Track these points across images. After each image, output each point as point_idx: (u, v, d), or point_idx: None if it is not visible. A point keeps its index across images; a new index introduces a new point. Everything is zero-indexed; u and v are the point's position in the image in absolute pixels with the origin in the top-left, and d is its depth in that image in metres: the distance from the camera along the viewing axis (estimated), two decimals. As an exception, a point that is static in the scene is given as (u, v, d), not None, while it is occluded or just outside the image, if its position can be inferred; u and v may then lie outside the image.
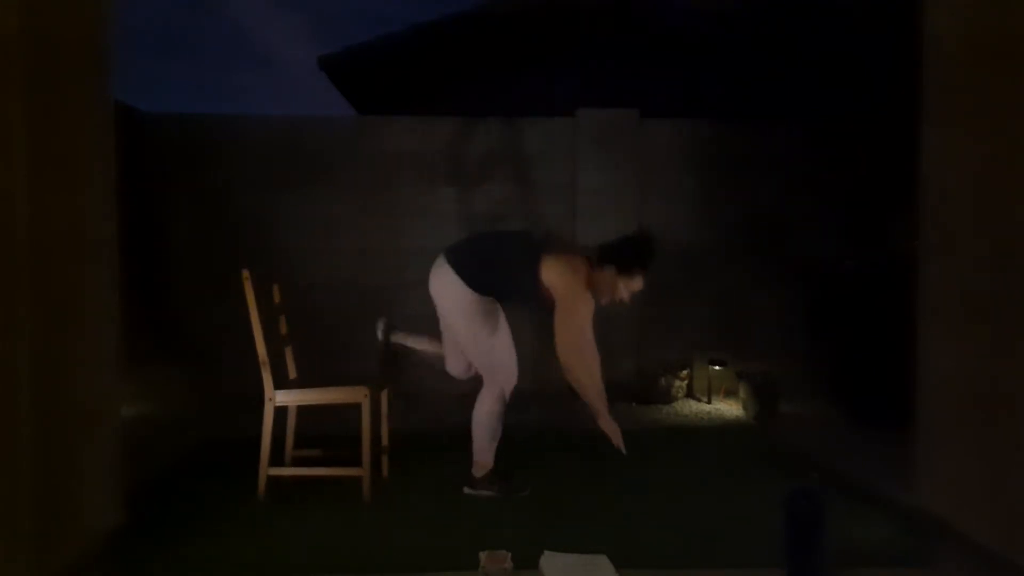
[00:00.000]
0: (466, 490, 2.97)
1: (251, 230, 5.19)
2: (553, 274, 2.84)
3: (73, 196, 2.07)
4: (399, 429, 3.45)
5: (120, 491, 2.30)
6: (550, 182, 5.42)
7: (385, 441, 3.22)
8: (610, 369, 3.05)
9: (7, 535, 1.78)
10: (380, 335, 3.25)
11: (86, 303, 2.14)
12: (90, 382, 2.15)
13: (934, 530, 2.36)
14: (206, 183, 5.23)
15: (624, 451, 2.81)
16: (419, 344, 3.30)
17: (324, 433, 3.40)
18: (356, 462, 2.87)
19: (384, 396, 3.23)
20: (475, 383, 3.06)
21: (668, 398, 5.08)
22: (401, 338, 3.28)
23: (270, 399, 2.84)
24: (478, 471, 2.97)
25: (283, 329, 3.19)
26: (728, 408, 4.90)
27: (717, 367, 5.06)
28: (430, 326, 3.23)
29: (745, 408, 4.63)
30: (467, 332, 2.92)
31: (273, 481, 2.87)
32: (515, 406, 3.07)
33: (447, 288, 2.90)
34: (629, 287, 2.91)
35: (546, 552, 2.21)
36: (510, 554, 2.03)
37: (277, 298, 3.18)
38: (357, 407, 2.84)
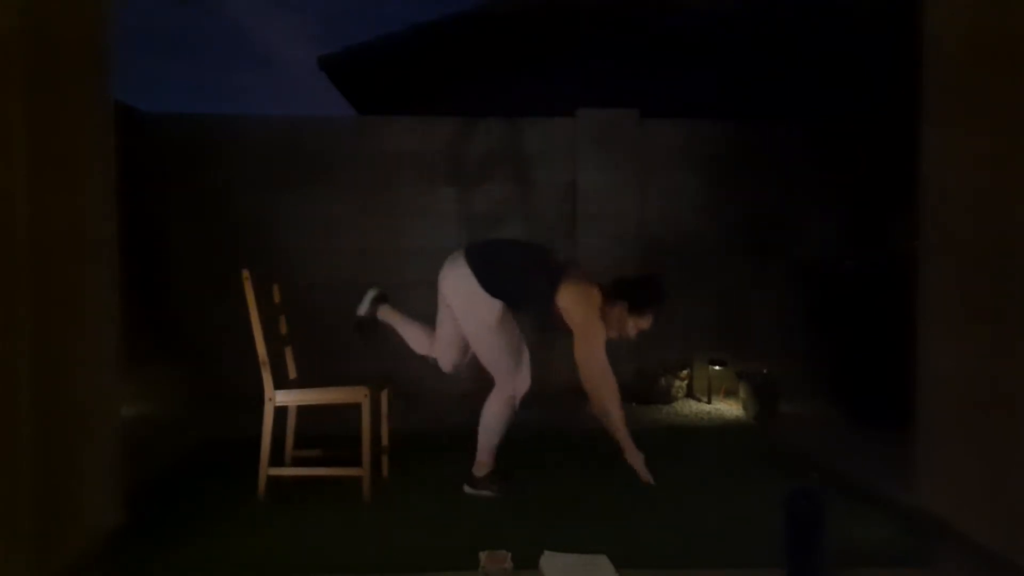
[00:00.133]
0: (466, 488, 2.97)
1: (251, 230, 5.19)
2: (571, 301, 2.86)
3: (73, 196, 2.07)
4: (399, 429, 3.45)
5: (120, 491, 2.31)
6: (550, 182, 5.42)
7: (385, 441, 3.22)
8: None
9: (7, 535, 1.78)
10: (367, 304, 3.20)
11: (86, 303, 2.14)
12: (90, 382, 2.15)
13: (934, 530, 2.36)
14: (206, 183, 5.23)
15: (652, 482, 2.81)
16: (405, 329, 3.22)
17: (324, 433, 3.40)
18: (356, 462, 2.87)
19: (384, 396, 3.23)
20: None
21: (668, 398, 5.08)
22: (389, 315, 3.23)
23: (270, 399, 2.84)
24: (479, 470, 2.97)
25: (283, 329, 3.19)
26: (728, 408, 4.90)
27: (717, 367, 5.06)
28: (429, 325, 3.23)
29: (745, 408, 4.63)
30: (476, 332, 2.91)
31: (273, 481, 2.87)
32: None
33: (460, 284, 2.89)
34: (638, 325, 2.96)
35: (546, 552, 2.21)
36: (510, 554, 2.03)
37: (277, 298, 3.18)
38: (357, 407, 2.84)
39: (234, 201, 5.22)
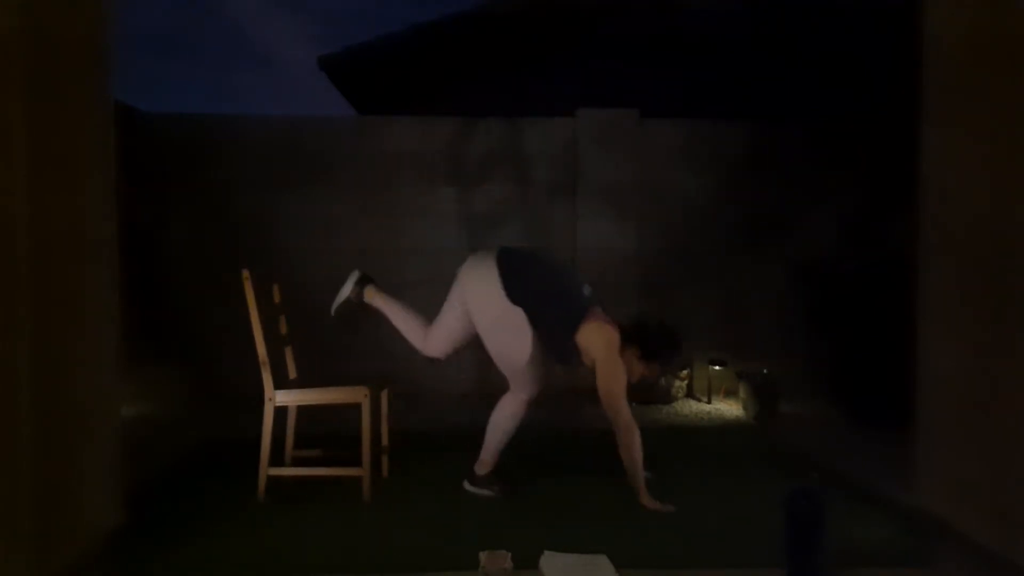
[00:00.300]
0: (466, 485, 2.97)
1: (251, 230, 5.19)
2: (597, 338, 2.82)
3: (73, 196, 2.07)
4: (399, 429, 3.45)
5: (120, 491, 2.31)
6: (550, 182, 5.43)
7: (385, 441, 3.22)
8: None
9: (7, 535, 1.78)
10: (351, 285, 3.10)
11: (86, 303, 2.14)
12: (90, 382, 2.15)
13: (934, 530, 2.36)
14: (206, 183, 5.23)
15: (673, 509, 2.74)
16: (394, 312, 3.10)
17: (324, 433, 3.40)
18: (356, 462, 2.87)
19: (384, 396, 3.23)
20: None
21: (668, 398, 5.08)
22: (376, 297, 3.11)
23: (270, 399, 2.84)
24: (481, 469, 2.97)
25: (283, 329, 3.19)
26: (728, 408, 4.90)
27: (717, 367, 5.06)
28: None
29: (745, 408, 4.63)
30: (491, 333, 2.88)
31: (273, 481, 2.87)
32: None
33: (481, 285, 2.86)
34: (643, 372, 2.92)
35: (546, 552, 2.21)
36: (510, 554, 2.03)
37: (277, 298, 3.18)
38: (357, 407, 2.84)
39: (234, 201, 5.22)
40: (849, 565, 2.16)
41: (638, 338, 2.91)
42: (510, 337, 2.86)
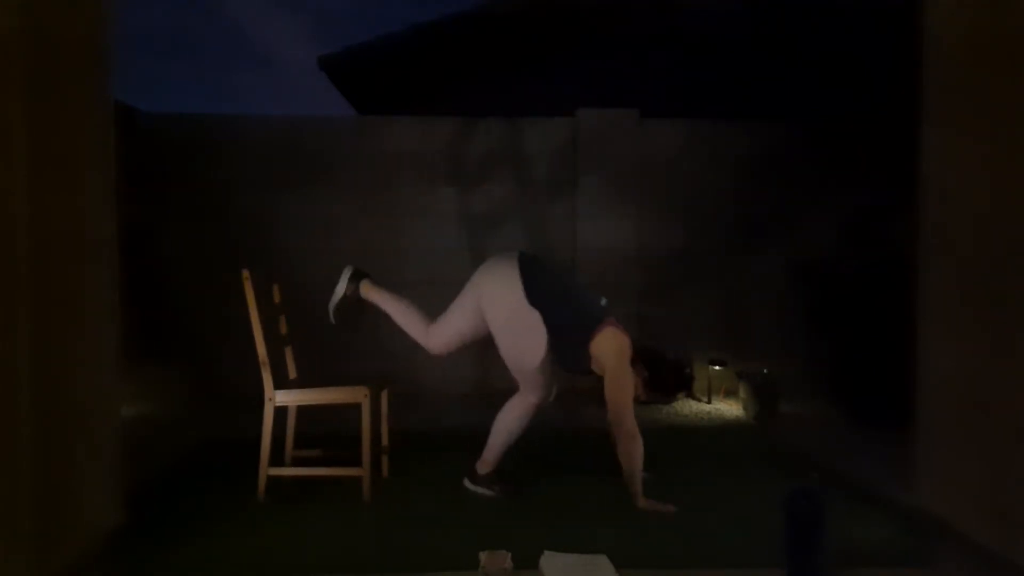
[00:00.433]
0: (466, 483, 2.97)
1: (251, 230, 5.19)
2: (610, 346, 2.84)
3: (73, 196, 2.07)
4: (399, 429, 3.45)
5: (120, 491, 2.31)
6: (550, 182, 5.43)
7: (385, 441, 3.22)
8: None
9: (7, 535, 1.78)
10: (345, 282, 3.04)
11: (86, 303, 2.14)
12: (90, 382, 2.15)
13: (934, 530, 2.36)
14: (206, 183, 5.23)
15: (673, 510, 2.73)
16: (393, 306, 3.04)
17: (324, 433, 3.40)
18: (356, 462, 2.87)
19: (384, 396, 3.23)
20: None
21: (669, 398, 5.08)
22: (372, 292, 3.05)
23: (270, 399, 2.84)
24: (483, 468, 2.97)
25: (283, 329, 3.19)
26: (728, 408, 4.90)
27: (717, 367, 5.06)
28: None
29: (745, 408, 4.62)
30: (505, 332, 2.87)
31: (273, 481, 2.87)
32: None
33: (500, 282, 2.85)
34: (644, 394, 2.98)
35: (546, 552, 2.21)
36: (510, 554, 2.03)
37: (277, 298, 3.18)
38: (357, 407, 2.84)
39: (234, 201, 5.22)
40: (849, 565, 2.16)
41: (649, 363, 2.95)
42: (525, 338, 2.86)
